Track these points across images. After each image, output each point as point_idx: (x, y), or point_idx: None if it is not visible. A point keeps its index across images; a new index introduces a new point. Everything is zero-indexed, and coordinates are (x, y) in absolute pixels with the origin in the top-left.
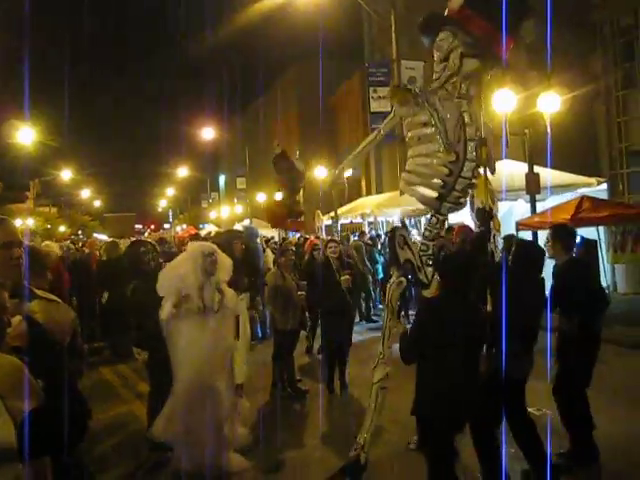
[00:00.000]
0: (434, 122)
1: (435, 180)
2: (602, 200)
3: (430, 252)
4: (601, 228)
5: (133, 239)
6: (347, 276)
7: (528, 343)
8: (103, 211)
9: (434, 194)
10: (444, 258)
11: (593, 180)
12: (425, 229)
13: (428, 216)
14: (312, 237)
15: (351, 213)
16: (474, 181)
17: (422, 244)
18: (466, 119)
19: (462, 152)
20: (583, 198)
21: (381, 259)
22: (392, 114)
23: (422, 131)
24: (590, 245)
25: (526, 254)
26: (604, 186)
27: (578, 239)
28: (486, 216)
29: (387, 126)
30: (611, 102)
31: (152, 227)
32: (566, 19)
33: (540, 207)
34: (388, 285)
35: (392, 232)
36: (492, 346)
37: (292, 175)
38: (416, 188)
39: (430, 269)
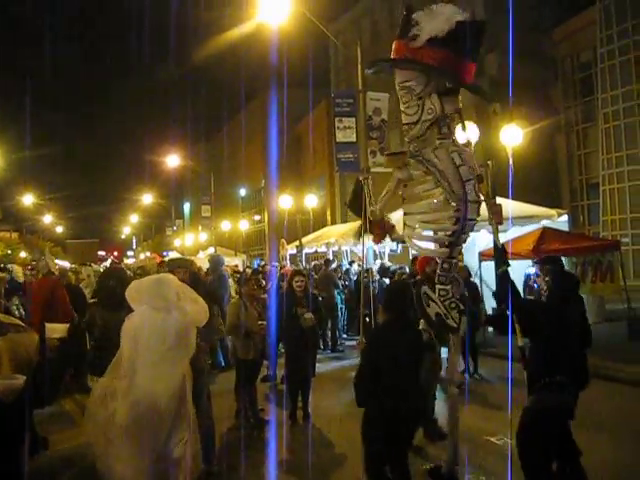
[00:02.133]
0: (437, 178)
1: (444, 233)
2: (563, 232)
3: (450, 296)
4: (562, 259)
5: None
6: (310, 315)
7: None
8: (65, 237)
9: (444, 246)
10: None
11: (554, 212)
12: (439, 275)
13: (439, 262)
14: (287, 267)
15: (316, 242)
16: (479, 219)
17: (441, 290)
18: (457, 160)
19: (463, 198)
20: (544, 229)
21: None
22: (393, 180)
23: (421, 187)
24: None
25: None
26: (565, 217)
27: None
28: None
29: (389, 186)
30: (571, 135)
31: (115, 254)
32: (528, 53)
33: (502, 238)
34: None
35: (417, 290)
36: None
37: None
38: (427, 244)
39: (455, 312)
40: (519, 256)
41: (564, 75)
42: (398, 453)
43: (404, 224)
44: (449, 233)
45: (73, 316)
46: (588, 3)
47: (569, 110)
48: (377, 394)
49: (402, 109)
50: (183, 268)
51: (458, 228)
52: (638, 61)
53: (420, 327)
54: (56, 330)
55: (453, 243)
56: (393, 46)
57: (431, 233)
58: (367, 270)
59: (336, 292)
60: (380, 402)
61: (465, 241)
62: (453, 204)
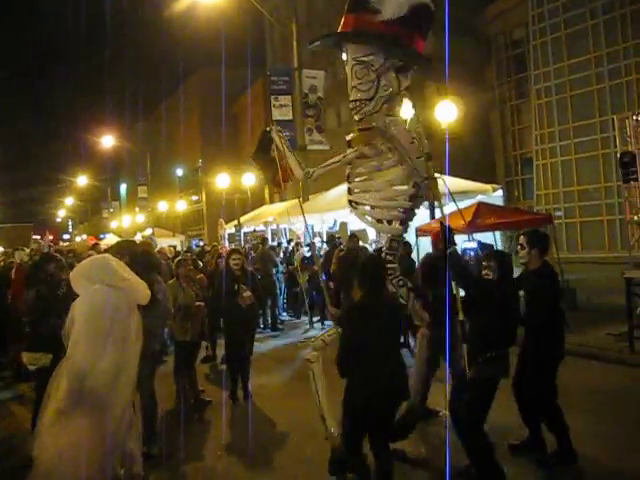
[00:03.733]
0: (401, 154)
1: (400, 210)
2: (498, 206)
3: (398, 274)
4: (497, 233)
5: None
6: (248, 293)
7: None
8: None
9: (398, 223)
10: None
11: (489, 187)
12: (386, 254)
13: (384, 241)
14: (224, 246)
15: (254, 221)
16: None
17: (390, 269)
18: (412, 137)
19: (423, 174)
20: (479, 204)
21: (281, 268)
22: (355, 151)
23: (385, 164)
24: (487, 249)
25: (507, 263)
26: (500, 192)
27: (475, 244)
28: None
29: (348, 158)
30: (505, 111)
31: (50, 237)
32: (462, 31)
33: (438, 213)
34: None
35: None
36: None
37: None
38: (382, 223)
39: (404, 289)
40: (455, 231)
41: (497, 52)
42: (379, 428)
43: (352, 202)
44: (404, 210)
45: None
46: None
47: (503, 86)
48: (362, 363)
49: (354, 85)
50: (119, 254)
51: (414, 205)
52: (569, 38)
53: None
54: None
55: (406, 220)
56: (344, 20)
57: (386, 211)
58: (309, 244)
59: (274, 270)
60: (363, 372)
61: (412, 219)
62: (412, 181)
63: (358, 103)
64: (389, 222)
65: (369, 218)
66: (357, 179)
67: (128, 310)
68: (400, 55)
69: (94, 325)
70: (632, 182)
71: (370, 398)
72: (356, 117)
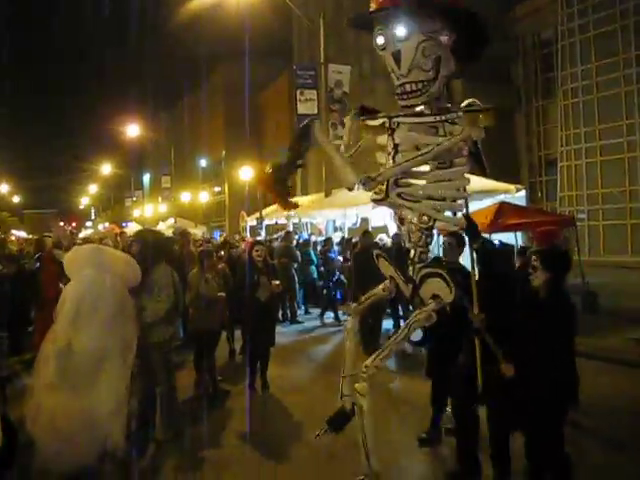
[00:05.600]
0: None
1: (462, 200)
2: (520, 206)
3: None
4: (519, 234)
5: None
6: (277, 281)
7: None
8: (23, 207)
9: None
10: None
11: (512, 187)
12: (421, 253)
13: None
14: (249, 238)
15: (276, 214)
16: None
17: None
18: None
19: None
20: (501, 204)
21: (316, 261)
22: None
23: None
24: (508, 250)
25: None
26: (522, 193)
27: (497, 242)
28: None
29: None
30: (531, 111)
31: (74, 225)
32: (489, 28)
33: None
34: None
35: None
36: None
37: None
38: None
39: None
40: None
41: (525, 51)
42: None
43: (403, 194)
44: (465, 199)
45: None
46: None
47: (529, 86)
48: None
49: (417, 64)
50: (134, 241)
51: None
52: (597, 39)
53: None
54: None
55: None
56: None
57: (449, 202)
58: (327, 240)
59: (294, 265)
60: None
61: None
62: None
63: (425, 84)
64: (454, 213)
65: (432, 211)
66: (424, 168)
67: (116, 293)
68: (465, 29)
69: (77, 307)
70: None
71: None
72: (419, 100)
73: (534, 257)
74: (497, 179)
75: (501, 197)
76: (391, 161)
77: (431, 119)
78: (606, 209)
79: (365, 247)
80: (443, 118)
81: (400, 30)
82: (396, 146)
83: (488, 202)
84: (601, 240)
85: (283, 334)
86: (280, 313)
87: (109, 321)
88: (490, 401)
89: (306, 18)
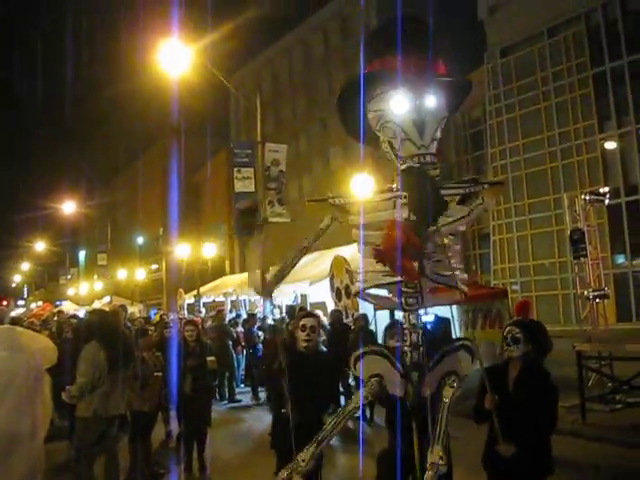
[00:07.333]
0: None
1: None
2: None
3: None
4: (454, 306)
5: None
6: (213, 358)
7: None
8: None
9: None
10: None
11: None
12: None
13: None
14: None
15: (214, 292)
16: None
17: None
18: None
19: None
20: None
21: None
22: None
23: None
24: (445, 323)
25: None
26: None
27: (432, 317)
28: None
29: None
30: None
31: (4, 303)
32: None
33: None
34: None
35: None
36: None
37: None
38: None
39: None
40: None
41: (456, 130)
42: None
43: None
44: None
45: None
46: (478, 64)
47: (460, 163)
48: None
49: (436, 137)
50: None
51: None
52: (523, 118)
53: None
54: None
55: None
56: (402, 62)
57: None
58: (263, 318)
59: (230, 343)
60: None
61: None
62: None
63: (437, 155)
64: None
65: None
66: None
67: (29, 372)
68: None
69: None
70: (582, 258)
71: None
72: (437, 172)
73: (514, 329)
74: None
75: None
76: None
77: (454, 191)
78: (538, 280)
79: (336, 324)
80: (468, 190)
81: (431, 101)
82: None
83: None
84: (535, 311)
85: (221, 414)
86: (217, 392)
87: (22, 403)
88: None
89: (243, 97)
